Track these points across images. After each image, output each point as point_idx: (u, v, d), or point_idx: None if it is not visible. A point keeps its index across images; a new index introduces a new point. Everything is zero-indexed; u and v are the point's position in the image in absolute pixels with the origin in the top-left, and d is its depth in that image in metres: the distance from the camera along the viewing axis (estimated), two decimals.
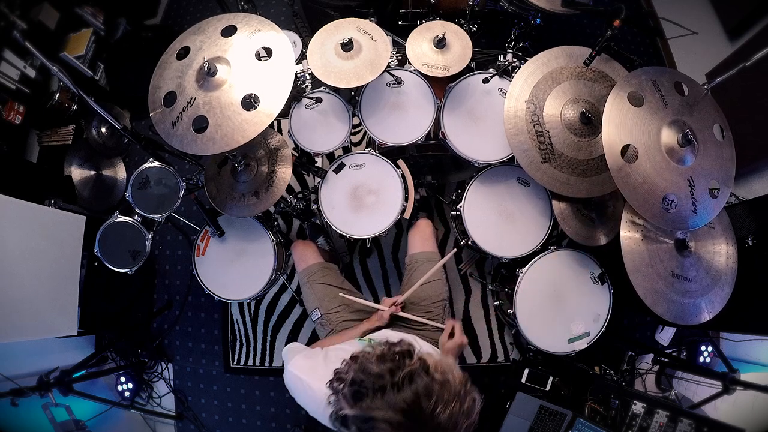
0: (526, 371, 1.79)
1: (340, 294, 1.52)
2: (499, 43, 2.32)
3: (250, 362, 2.33)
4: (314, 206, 2.08)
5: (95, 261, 2.10)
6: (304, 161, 1.84)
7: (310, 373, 1.03)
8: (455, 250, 1.62)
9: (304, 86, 1.78)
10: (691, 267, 1.44)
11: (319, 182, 1.75)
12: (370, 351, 0.83)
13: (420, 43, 1.64)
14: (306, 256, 1.68)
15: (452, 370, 0.80)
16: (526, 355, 2.08)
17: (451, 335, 1.31)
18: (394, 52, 1.74)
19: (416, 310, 1.52)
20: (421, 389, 0.75)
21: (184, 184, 1.54)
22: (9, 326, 1.72)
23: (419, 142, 1.72)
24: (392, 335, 1.40)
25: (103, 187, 2.55)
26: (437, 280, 1.57)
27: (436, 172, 2.17)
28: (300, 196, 2.29)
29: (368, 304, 1.50)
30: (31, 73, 2.31)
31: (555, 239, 2.20)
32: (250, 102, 1.34)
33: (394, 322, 1.51)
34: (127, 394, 2.32)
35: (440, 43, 1.61)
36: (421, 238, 1.67)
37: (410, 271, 1.64)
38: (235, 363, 2.35)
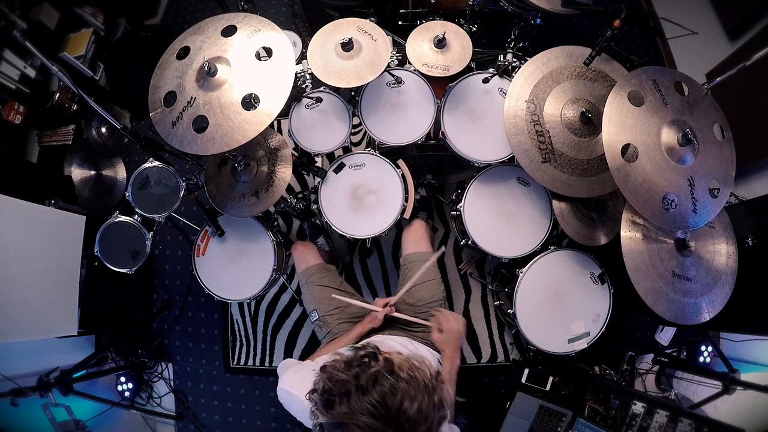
0: (526, 371, 1.79)
1: (333, 295, 1.52)
2: (499, 43, 2.33)
3: (250, 362, 2.33)
4: (314, 206, 2.08)
5: (95, 261, 2.10)
6: (304, 161, 1.84)
7: (298, 387, 1.05)
8: (443, 248, 1.60)
9: (304, 86, 1.78)
10: (692, 266, 1.44)
11: (319, 182, 1.74)
12: (338, 358, 0.84)
13: (420, 43, 1.64)
14: (306, 256, 1.68)
15: (420, 366, 0.82)
16: (526, 355, 2.08)
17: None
18: (394, 52, 1.74)
19: (411, 311, 1.51)
20: (387, 389, 0.76)
21: (184, 184, 1.54)
22: (9, 326, 1.72)
23: (419, 142, 1.72)
24: (387, 339, 1.40)
25: (103, 187, 2.55)
26: (432, 281, 1.57)
27: (436, 172, 2.17)
28: (300, 196, 2.29)
29: (361, 305, 1.50)
30: (31, 73, 2.31)
31: (555, 239, 2.20)
32: (250, 102, 1.34)
33: (390, 324, 1.52)
34: (127, 394, 2.32)
35: (440, 43, 1.61)
36: (414, 238, 1.67)
37: (404, 271, 1.63)
38: (235, 363, 2.35)
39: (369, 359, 0.81)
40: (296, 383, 1.07)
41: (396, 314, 1.46)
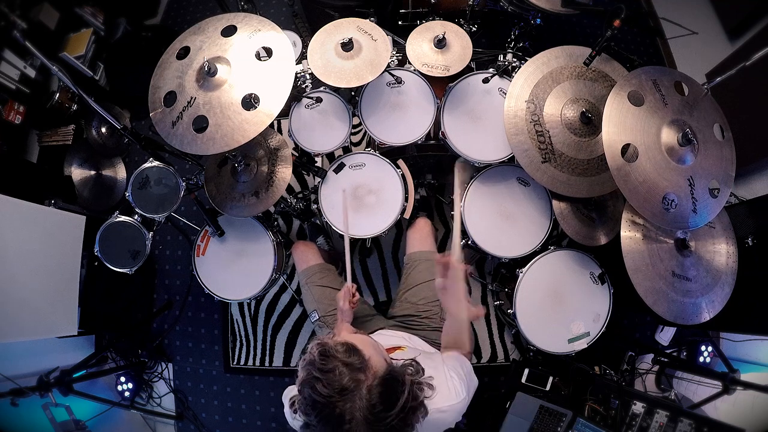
0: (526, 371, 1.79)
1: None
2: (499, 43, 2.33)
3: (250, 362, 2.33)
4: (314, 206, 2.08)
5: (95, 261, 2.11)
6: (304, 161, 1.84)
7: None
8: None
9: (304, 86, 1.78)
10: (692, 266, 1.44)
11: (319, 182, 1.74)
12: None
13: (420, 43, 1.64)
14: (307, 256, 1.69)
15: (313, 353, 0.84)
16: (526, 355, 2.08)
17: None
18: (394, 52, 1.74)
19: (412, 310, 1.51)
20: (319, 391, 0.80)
21: (184, 184, 1.54)
22: (9, 326, 1.72)
23: (419, 142, 1.72)
24: (388, 335, 1.40)
25: (103, 187, 2.55)
26: (434, 280, 1.56)
27: (436, 172, 2.17)
28: (300, 196, 2.29)
29: (348, 266, 1.39)
30: (31, 73, 2.31)
31: (555, 239, 2.20)
32: (250, 102, 1.34)
33: (392, 321, 1.51)
34: (127, 394, 2.32)
35: (440, 43, 1.61)
36: (420, 236, 1.67)
37: (408, 270, 1.64)
38: (235, 363, 2.35)
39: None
40: None
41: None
